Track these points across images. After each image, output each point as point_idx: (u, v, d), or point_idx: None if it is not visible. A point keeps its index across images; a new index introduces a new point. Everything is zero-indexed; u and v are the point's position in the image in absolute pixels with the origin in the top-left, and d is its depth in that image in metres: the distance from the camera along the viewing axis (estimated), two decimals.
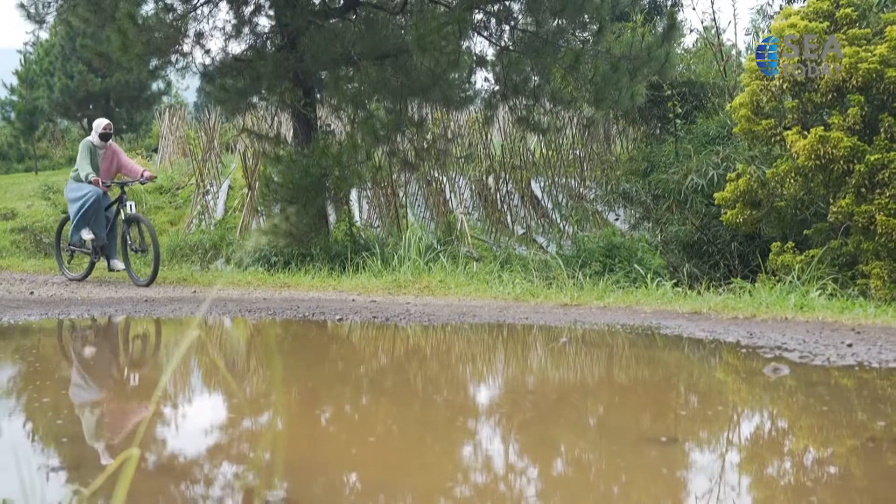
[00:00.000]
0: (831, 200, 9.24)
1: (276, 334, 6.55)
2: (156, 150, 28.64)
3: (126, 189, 10.78)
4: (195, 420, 4.03)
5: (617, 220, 17.30)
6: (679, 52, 19.23)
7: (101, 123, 10.93)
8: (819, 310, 6.62)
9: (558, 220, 17.78)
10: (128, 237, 10.67)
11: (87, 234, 10.68)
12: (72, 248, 11.23)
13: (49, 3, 14.44)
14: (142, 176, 10.80)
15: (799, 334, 5.47)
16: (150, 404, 4.06)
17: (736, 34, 35.78)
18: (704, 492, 2.81)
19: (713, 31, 19.94)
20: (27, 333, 6.75)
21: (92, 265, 11.20)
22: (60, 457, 3.04)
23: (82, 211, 10.61)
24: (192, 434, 3.74)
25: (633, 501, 2.78)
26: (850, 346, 4.95)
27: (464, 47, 13.06)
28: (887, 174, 8.69)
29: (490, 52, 14.49)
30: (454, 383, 4.91)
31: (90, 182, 10.49)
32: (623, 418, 3.96)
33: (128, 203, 10.63)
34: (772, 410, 4.01)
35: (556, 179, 19.00)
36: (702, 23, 27.30)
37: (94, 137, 10.86)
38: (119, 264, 10.83)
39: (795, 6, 15.49)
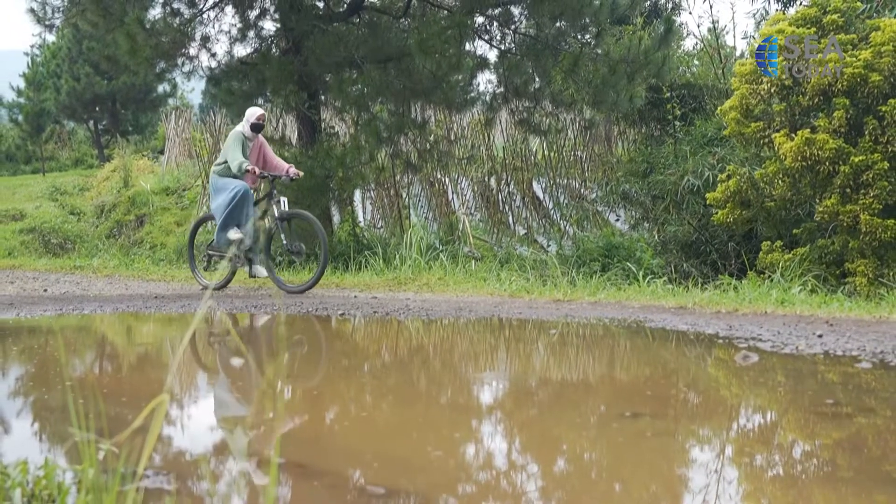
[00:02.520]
0: (818, 200, 9.53)
1: (282, 327, 6.85)
2: (162, 152, 28.92)
3: (277, 185, 9.81)
4: (207, 398, 4.33)
5: (618, 220, 17.56)
6: (679, 54, 19.49)
7: (254, 112, 9.86)
8: (798, 304, 6.92)
9: (559, 221, 18.03)
10: (283, 237, 9.57)
11: (234, 234, 9.60)
12: (210, 252, 10.22)
13: (58, 7, 14.75)
14: (287, 173, 9.80)
15: (775, 326, 5.78)
16: (171, 384, 4.36)
17: (735, 37, 36.06)
18: (655, 453, 3.13)
19: (712, 35, 20.20)
20: (46, 326, 7.06)
21: (233, 271, 10.08)
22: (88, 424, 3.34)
23: (230, 208, 9.53)
24: (205, 409, 4.05)
25: (594, 460, 3.09)
26: (820, 336, 5.25)
27: (466, 50, 13.35)
28: (871, 175, 8.97)
29: (493, 55, 14.76)
30: (448, 368, 5.21)
31: (245, 171, 9.43)
32: (595, 396, 4.30)
33: (280, 199, 9.62)
34: (734, 390, 4.36)
35: (558, 180, 19.25)
36: (698, 26, 27.57)
37: (244, 128, 9.79)
38: (262, 270, 9.78)
39: (791, 11, 15.77)
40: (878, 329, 5.52)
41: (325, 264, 9.17)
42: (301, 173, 10.12)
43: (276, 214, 9.54)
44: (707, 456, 3.23)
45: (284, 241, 9.52)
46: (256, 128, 9.78)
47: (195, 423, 3.85)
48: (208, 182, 9.96)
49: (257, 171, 9.43)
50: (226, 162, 9.64)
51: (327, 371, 5.13)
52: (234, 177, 9.56)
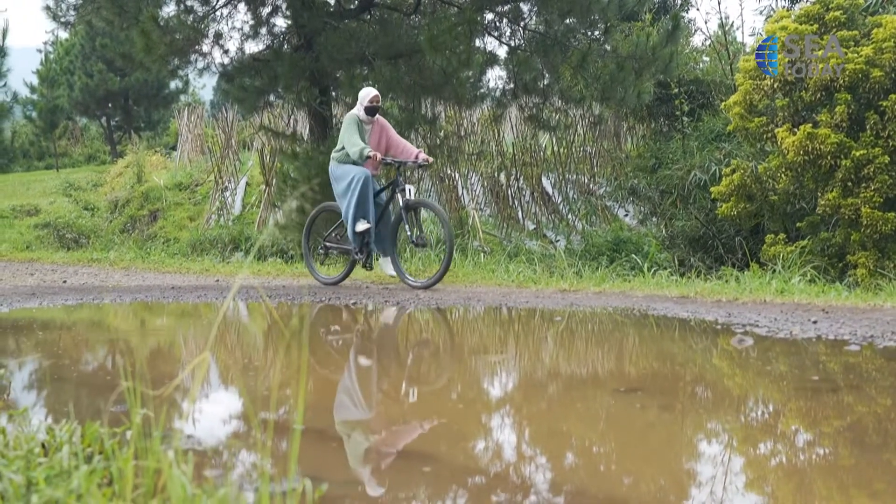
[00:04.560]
0: (820, 194, 9.71)
1: (297, 314, 7.07)
2: (174, 148, 29.20)
3: (403, 171, 9.15)
4: (232, 373, 4.55)
5: (626, 215, 17.75)
6: (687, 50, 19.64)
7: (367, 94, 9.14)
8: (797, 294, 7.11)
9: (568, 216, 18.22)
10: (406, 228, 8.89)
11: (361, 226, 8.92)
12: (327, 244, 9.70)
13: (73, 4, 14.98)
14: (416, 158, 9.03)
15: (773, 314, 5.98)
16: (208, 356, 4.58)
17: (743, 34, 36.12)
18: (641, 422, 3.36)
19: (721, 31, 20.35)
20: (68, 315, 7.30)
21: (352, 265, 9.40)
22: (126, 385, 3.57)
23: (355, 201, 8.86)
24: (228, 381, 4.27)
25: (588, 427, 3.30)
26: (814, 322, 5.46)
27: (476, 46, 13.54)
28: (872, 169, 9.17)
29: (502, 52, 14.94)
30: (453, 351, 5.42)
31: (367, 157, 8.74)
32: (593, 375, 4.57)
33: (406, 187, 8.90)
34: (726, 369, 4.63)
35: (567, 176, 19.44)
36: (706, 23, 27.75)
37: (359, 111, 9.13)
38: (388, 267, 9.25)
39: (797, 8, 15.92)
40: (871, 316, 5.72)
41: (449, 258, 8.51)
42: (431, 159, 9.39)
43: (402, 203, 8.90)
44: (687, 424, 3.47)
45: (408, 233, 8.88)
46: (371, 111, 9.13)
47: (224, 391, 4.07)
48: (328, 169, 9.37)
49: (378, 156, 8.82)
50: (344, 148, 9.06)
51: (337, 351, 5.35)
52: (354, 163, 8.96)
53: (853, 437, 3.15)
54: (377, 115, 9.25)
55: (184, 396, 3.56)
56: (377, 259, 9.35)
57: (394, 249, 9.17)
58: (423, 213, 9.78)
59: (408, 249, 11.02)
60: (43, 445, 2.38)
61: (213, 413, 3.70)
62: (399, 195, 8.91)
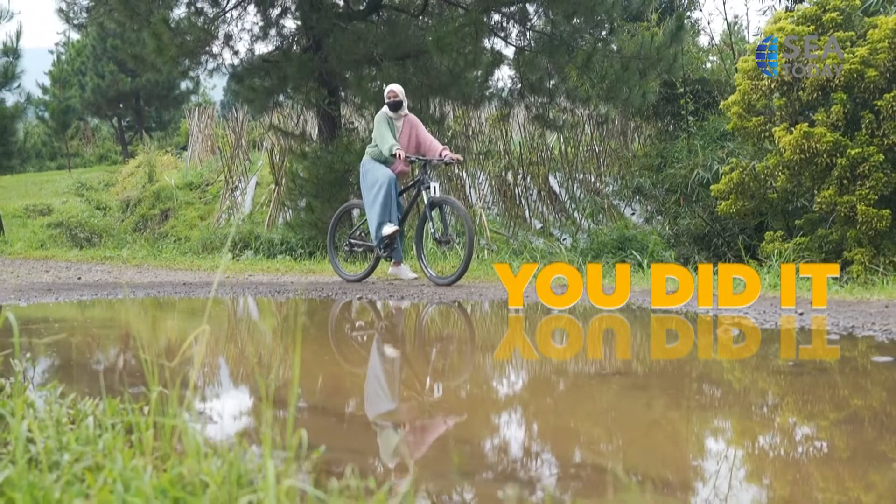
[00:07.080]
0: (816, 192, 9.91)
1: (304, 309, 7.30)
2: (184, 148, 29.45)
3: (429, 168, 9.05)
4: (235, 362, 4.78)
5: (633, 214, 17.94)
6: (692, 50, 19.81)
7: (386, 91, 9.27)
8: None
9: (574, 214, 18.41)
10: (431, 225, 8.96)
11: (388, 230, 8.95)
12: (352, 241, 9.84)
13: (86, 7, 15.24)
14: (440, 155, 9.00)
15: (763, 306, 6.19)
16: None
17: (748, 33, 36.22)
18: (617, 400, 3.59)
19: (727, 31, 20.52)
20: (83, 308, 7.55)
21: (377, 261, 9.42)
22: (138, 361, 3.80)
23: (379, 203, 8.97)
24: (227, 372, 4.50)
25: (571, 403, 3.53)
26: (801, 314, 5.68)
27: (483, 46, 13.73)
28: (867, 167, 9.36)
29: (510, 52, 15.15)
30: (454, 339, 5.64)
31: (393, 155, 8.80)
32: (582, 360, 4.84)
33: (431, 184, 8.89)
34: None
35: (574, 175, 19.62)
36: (708, 24, 27.96)
37: (386, 108, 9.18)
38: (409, 272, 9.47)
39: (802, 6, 16.09)
40: (856, 308, 5.93)
41: (469, 256, 8.51)
42: (459, 157, 9.24)
43: (426, 200, 8.94)
44: (657, 401, 3.72)
45: (433, 230, 8.96)
46: (394, 106, 9.11)
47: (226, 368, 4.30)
48: (360, 164, 9.47)
49: (403, 154, 8.78)
50: (377, 145, 9.07)
51: (341, 339, 5.58)
52: (384, 161, 9.04)
53: (817, 414, 3.37)
54: (406, 112, 9.27)
55: (188, 385, 3.79)
56: (388, 261, 9.48)
57: (420, 244, 9.24)
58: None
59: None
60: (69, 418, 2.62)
61: (220, 393, 3.93)
62: (424, 192, 8.94)
